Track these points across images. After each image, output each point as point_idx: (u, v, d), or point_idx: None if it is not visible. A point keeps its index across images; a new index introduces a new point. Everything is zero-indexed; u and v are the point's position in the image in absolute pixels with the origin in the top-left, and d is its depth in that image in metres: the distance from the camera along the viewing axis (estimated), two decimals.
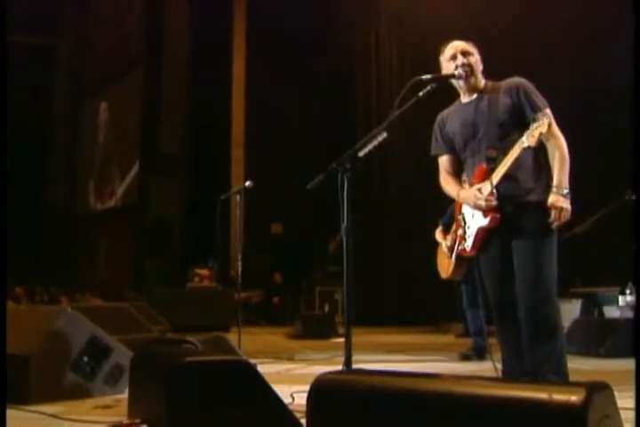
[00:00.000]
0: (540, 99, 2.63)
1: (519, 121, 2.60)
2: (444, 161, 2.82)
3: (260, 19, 10.62)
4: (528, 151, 2.58)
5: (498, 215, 2.59)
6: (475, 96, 2.73)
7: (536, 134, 2.46)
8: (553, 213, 2.51)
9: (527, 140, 2.48)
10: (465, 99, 2.77)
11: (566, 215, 2.52)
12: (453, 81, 2.73)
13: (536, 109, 2.58)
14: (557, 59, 7.71)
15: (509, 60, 6.09)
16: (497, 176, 2.58)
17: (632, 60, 3.61)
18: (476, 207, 2.64)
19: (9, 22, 4.76)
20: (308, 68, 10.20)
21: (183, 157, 11.71)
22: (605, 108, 7.50)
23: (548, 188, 2.56)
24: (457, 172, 2.85)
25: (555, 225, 2.53)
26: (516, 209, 2.60)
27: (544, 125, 2.44)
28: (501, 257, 2.64)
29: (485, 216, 2.62)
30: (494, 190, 2.59)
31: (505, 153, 2.58)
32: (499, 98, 2.64)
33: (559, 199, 2.51)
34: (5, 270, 3.42)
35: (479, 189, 2.62)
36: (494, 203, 2.59)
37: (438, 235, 4.60)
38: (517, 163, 2.57)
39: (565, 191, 2.53)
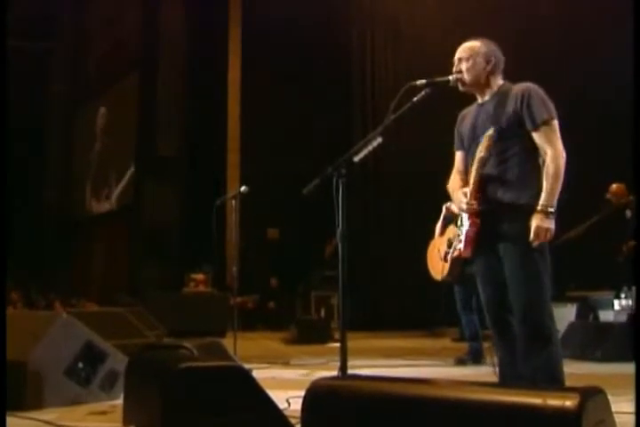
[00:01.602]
0: (543, 109, 2.55)
1: (519, 129, 2.57)
2: (457, 158, 2.83)
3: (256, 23, 10.62)
4: (522, 155, 2.56)
5: (477, 220, 2.59)
6: (487, 98, 2.70)
7: (482, 149, 2.52)
8: (533, 233, 2.45)
9: (479, 152, 2.55)
10: (479, 99, 2.75)
11: (548, 236, 2.46)
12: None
13: (534, 122, 2.54)
14: (557, 60, 7.75)
15: (507, 61, 6.11)
16: (470, 184, 2.60)
17: (633, 60, 3.61)
18: (460, 210, 2.67)
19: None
20: (304, 71, 10.22)
21: (179, 160, 11.70)
22: (604, 109, 7.52)
23: (536, 195, 2.51)
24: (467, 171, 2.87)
25: (535, 244, 2.47)
26: (504, 213, 2.57)
27: (483, 149, 2.50)
28: (492, 260, 2.63)
29: (469, 219, 2.64)
30: (479, 194, 2.58)
31: (497, 156, 2.57)
32: (506, 103, 2.61)
33: (542, 219, 2.45)
34: (5, 277, 3.42)
35: (465, 193, 2.63)
36: (475, 207, 2.59)
37: (438, 231, 4.58)
38: (507, 166, 2.56)
39: (551, 210, 2.48)
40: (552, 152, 2.53)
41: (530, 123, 2.56)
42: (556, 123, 2.57)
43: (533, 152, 2.57)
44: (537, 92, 2.61)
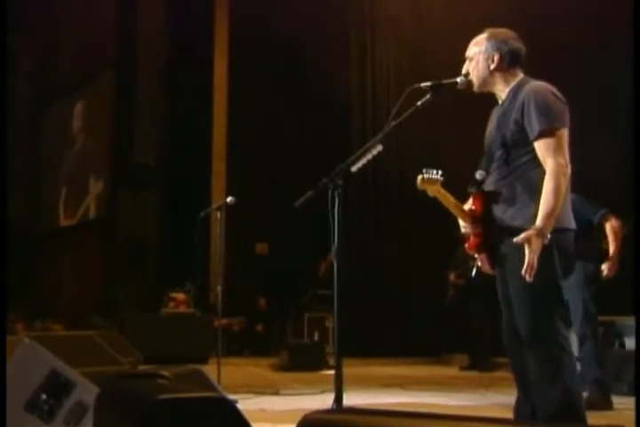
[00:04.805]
0: (543, 118, 2.46)
1: (522, 139, 2.52)
2: None
3: (245, 24, 10.67)
4: (525, 168, 2.53)
5: (469, 242, 2.68)
6: (504, 96, 2.63)
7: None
8: (524, 268, 2.37)
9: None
10: (499, 100, 2.68)
11: (531, 267, 2.36)
12: None
13: (532, 133, 2.47)
14: (557, 61, 7.84)
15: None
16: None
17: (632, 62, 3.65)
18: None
19: None
20: (297, 73, 10.26)
21: (159, 168, 11.70)
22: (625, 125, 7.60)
23: (534, 216, 2.42)
24: None
25: (528, 280, 2.37)
26: (501, 234, 2.55)
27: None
28: (503, 283, 2.65)
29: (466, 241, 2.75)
30: (478, 214, 2.61)
31: (499, 168, 2.58)
32: (511, 110, 2.56)
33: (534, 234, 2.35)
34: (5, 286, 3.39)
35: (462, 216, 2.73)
36: (465, 230, 2.69)
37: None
38: (508, 182, 2.55)
39: (547, 235, 2.37)
40: (551, 167, 2.43)
41: (530, 133, 2.50)
42: (560, 133, 2.46)
43: (540, 165, 2.50)
44: (541, 97, 2.49)
